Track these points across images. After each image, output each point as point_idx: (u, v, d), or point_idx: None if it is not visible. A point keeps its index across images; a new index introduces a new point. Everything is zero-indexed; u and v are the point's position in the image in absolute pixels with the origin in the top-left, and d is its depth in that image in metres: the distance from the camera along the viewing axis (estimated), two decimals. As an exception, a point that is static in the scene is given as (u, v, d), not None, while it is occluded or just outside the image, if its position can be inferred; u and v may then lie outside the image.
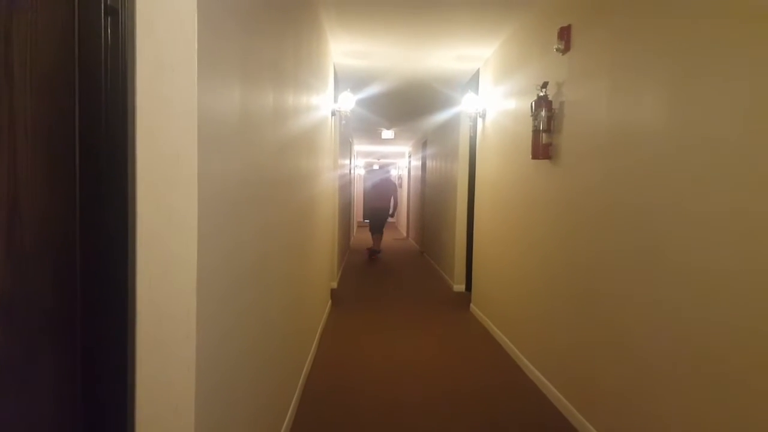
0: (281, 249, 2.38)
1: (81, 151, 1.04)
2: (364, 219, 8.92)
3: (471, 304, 5.15)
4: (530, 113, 3.21)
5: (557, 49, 2.93)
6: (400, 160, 16.53)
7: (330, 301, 5.28)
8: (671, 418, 1.86)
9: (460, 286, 6.11)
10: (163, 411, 1.16)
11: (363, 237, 12.02)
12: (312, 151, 3.40)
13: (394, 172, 15.85)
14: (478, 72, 5.10)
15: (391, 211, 9.34)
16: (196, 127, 1.14)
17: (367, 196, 9.49)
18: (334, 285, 6.08)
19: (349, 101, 4.95)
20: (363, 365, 3.63)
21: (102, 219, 1.08)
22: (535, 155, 3.18)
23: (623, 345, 2.22)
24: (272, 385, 2.20)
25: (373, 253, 9.09)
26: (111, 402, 1.12)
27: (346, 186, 8.54)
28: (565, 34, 2.87)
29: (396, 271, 8.05)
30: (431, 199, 8.89)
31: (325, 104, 4.23)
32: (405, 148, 13.37)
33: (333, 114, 4.86)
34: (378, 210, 9.09)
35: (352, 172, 10.71)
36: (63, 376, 1.04)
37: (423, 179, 10.14)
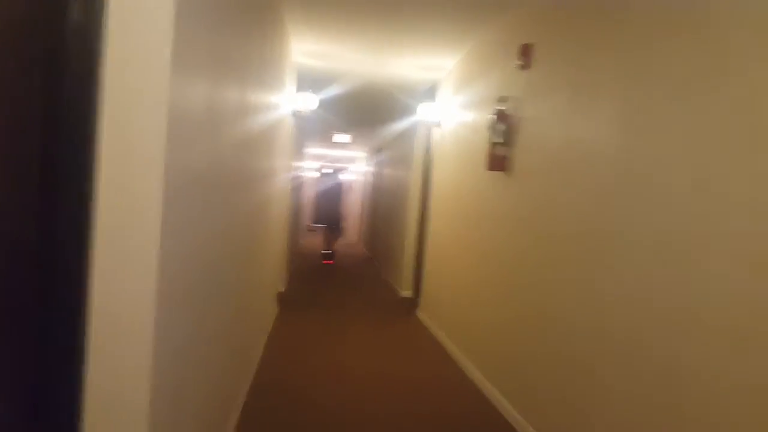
0: (237, 248, 2.32)
1: (43, 134, 0.97)
2: (314, 223, 8.47)
3: (417, 310, 5.20)
4: (488, 126, 3.30)
5: (518, 65, 3.03)
6: (353, 165, 16.50)
7: (278, 305, 5.18)
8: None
9: (407, 292, 6.16)
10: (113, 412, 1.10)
11: (312, 241, 11.89)
12: (270, 150, 3.34)
13: (345, 177, 15.81)
14: (437, 82, 5.20)
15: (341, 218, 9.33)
16: (165, 120, 1.10)
17: (320, 199, 9.38)
18: (282, 288, 5.97)
19: (311, 102, 4.90)
20: (308, 367, 3.58)
21: (61, 205, 1.01)
22: (491, 167, 3.27)
23: (574, 358, 2.31)
24: (223, 383, 2.14)
25: (326, 257, 8.75)
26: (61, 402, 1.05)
27: (297, 189, 8.44)
28: (526, 52, 2.97)
29: (344, 275, 8.01)
30: (383, 206, 8.94)
31: (285, 104, 4.16)
32: (359, 153, 13.38)
33: (293, 114, 4.80)
34: (332, 213, 8.92)
35: (303, 175, 10.59)
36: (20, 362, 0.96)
37: (376, 186, 10.19)
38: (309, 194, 14.46)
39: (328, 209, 8.90)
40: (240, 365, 2.71)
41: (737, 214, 1.47)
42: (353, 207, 15.26)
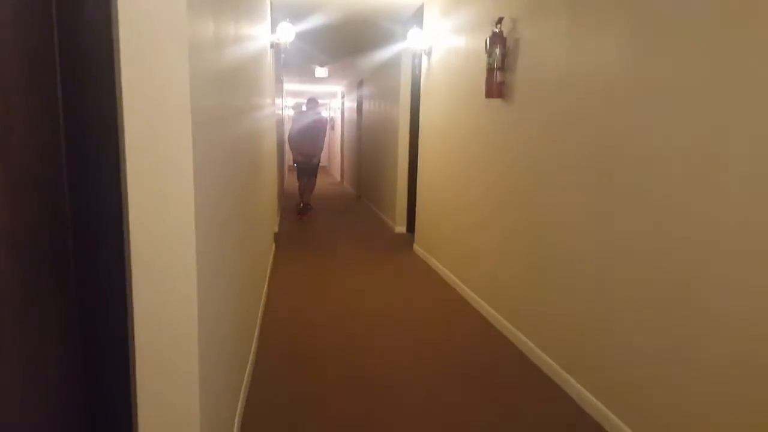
0: (244, 187, 2.28)
1: (63, 78, 0.91)
2: (293, 163, 7.08)
3: (414, 244, 5.28)
4: (485, 50, 3.20)
5: (515, -16, 2.90)
6: (332, 100, 16.07)
7: (274, 245, 5.20)
8: (620, 345, 2.06)
9: (401, 228, 6.21)
10: (164, 339, 1.12)
11: (294, 181, 11.78)
12: (257, 85, 3.20)
13: (325, 113, 15.42)
14: (423, 5, 4.97)
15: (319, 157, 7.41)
16: (187, 60, 1.04)
17: (296, 137, 7.07)
18: (276, 229, 5.97)
19: (288, 32, 4.67)
20: (312, 304, 3.65)
21: (90, 150, 0.96)
22: (489, 94, 3.20)
23: (573, 274, 2.38)
24: (242, 318, 2.18)
25: (303, 211, 7.39)
26: (111, 335, 1.06)
27: (279, 127, 8.23)
28: (524, -31, 2.83)
29: (335, 215, 8.02)
30: (369, 142, 8.81)
31: (263, 35, 3.95)
32: (338, 88, 13.00)
33: (272, 46, 4.58)
34: (308, 155, 7.16)
35: (283, 112, 10.31)
36: (64, 309, 0.95)
37: (358, 122, 9.98)
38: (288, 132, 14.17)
39: (304, 152, 7.10)
40: (253, 300, 2.75)
41: (755, 138, 1.47)
42: (334, 145, 15.00)
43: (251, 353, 2.58)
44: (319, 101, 8.16)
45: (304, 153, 7.08)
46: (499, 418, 2.20)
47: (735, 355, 1.54)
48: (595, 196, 2.24)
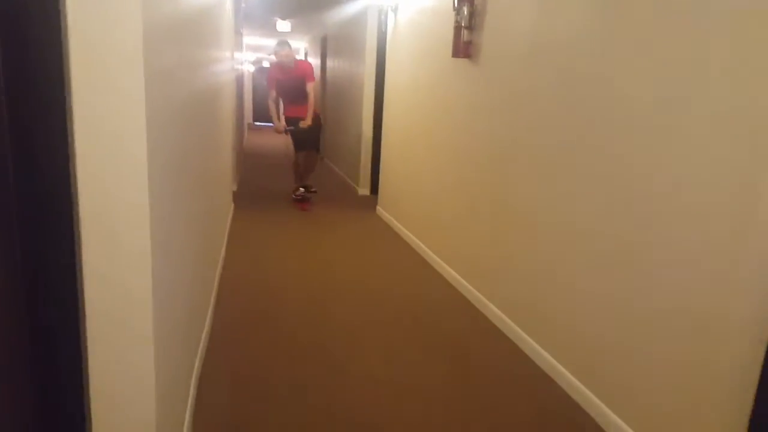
0: (201, 142, 2.18)
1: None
2: (286, 129, 5.13)
3: (377, 207, 5.26)
4: (453, 8, 3.12)
5: (487, -61, 2.81)
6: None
7: (233, 204, 5.07)
8: (580, 304, 2.13)
9: (365, 190, 6.17)
10: (116, 295, 1.07)
11: (255, 140, 11.47)
12: (214, 36, 3.02)
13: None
14: (390, -39, 4.78)
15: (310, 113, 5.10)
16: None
17: (275, 96, 5.17)
18: (234, 188, 5.82)
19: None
20: (273, 262, 3.61)
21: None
22: (456, 53, 3.15)
23: (534, 236, 2.43)
24: (200, 276, 2.12)
25: (303, 197, 5.37)
26: (59, 294, 1.00)
27: (239, 82, 7.91)
28: None
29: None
30: (332, 102, 8.61)
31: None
32: (301, 44, 12.56)
33: (231, -4, 4.32)
34: (298, 117, 5.12)
35: (243, 67, 9.90)
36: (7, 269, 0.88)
37: (322, 80, 9.71)
38: (248, 89, 13.68)
39: (292, 113, 5.18)
40: (211, 258, 2.69)
41: (718, 89, 1.50)
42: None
43: (209, 312, 2.54)
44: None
45: (292, 115, 5.18)
46: (458, 376, 2.26)
47: (675, 306, 1.62)
48: (556, 160, 2.26)
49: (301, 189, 5.38)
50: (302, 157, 5.29)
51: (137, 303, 1.09)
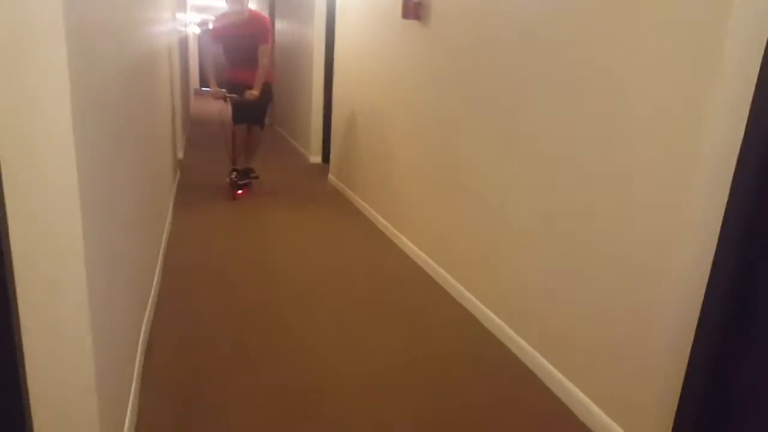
0: (139, 108, 2.07)
1: None
2: (227, 95, 4.21)
3: (329, 175, 5.21)
4: (402, -32, 3.06)
5: None
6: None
7: (179, 171, 4.89)
8: (526, 262, 2.20)
9: (316, 158, 6.08)
10: (46, 250, 1.02)
11: (202, 106, 11.02)
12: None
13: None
14: None
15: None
16: None
17: (219, 55, 4.35)
18: (181, 155, 5.61)
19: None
20: (220, 231, 3.54)
21: None
22: (405, 14, 3.10)
23: (482, 199, 2.48)
24: (144, 238, 2.06)
25: (240, 181, 4.36)
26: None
27: (183, 45, 7.53)
28: None
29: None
30: (282, 65, 8.34)
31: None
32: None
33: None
34: (242, 83, 4.23)
35: (186, 29, 9.41)
36: None
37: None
38: (193, 51, 13.04)
39: (236, 78, 4.30)
40: (155, 226, 2.60)
41: (656, 38, 1.55)
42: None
43: (155, 279, 2.47)
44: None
45: (235, 80, 4.26)
46: (407, 339, 2.31)
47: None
48: (507, 122, 2.30)
49: (233, 173, 4.34)
50: (240, 131, 4.38)
51: (69, 260, 1.04)
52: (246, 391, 1.83)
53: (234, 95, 4.22)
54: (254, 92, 4.13)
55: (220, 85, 4.30)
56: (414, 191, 3.25)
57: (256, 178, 4.59)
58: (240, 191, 4.35)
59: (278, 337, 2.21)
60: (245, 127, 4.40)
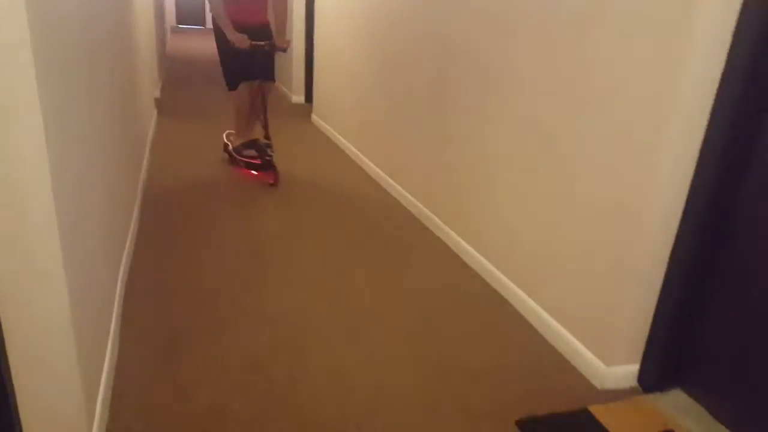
0: (112, 44, 1.96)
1: None
2: (254, 43, 3.05)
3: (312, 114, 5.09)
4: None
5: None
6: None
7: (155, 110, 4.74)
8: (504, 201, 2.20)
9: (299, 98, 5.92)
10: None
11: (180, 44, 10.55)
12: None
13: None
14: None
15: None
16: None
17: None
18: (157, 94, 5.41)
19: None
20: (199, 168, 3.48)
21: None
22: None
23: (463, 138, 2.44)
24: (120, 180, 2.02)
25: (261, 160, 3.35)
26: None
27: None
28: None
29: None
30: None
31: None
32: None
33: None
34: (252, 24, 3.29)
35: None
36: None
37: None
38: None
39: (243, 19, 3.23)
40: (132, 164, 2.54)
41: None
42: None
43: (132, 222, 2.43)
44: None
45: (242, 20, 3.19)
46: (387, 271, 2.34)
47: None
48: (486, 56, 2.23)
49: (251, 149, 3.35)
50: (253, 90, 3.36)
51: (36, 187, 1.00)
52: (227, 322, 1.85)
53: (262, 43, 3.17)
54: (287, 38, 3.34)
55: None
56: (387, 129, 3.19)
57: (270, 151, 3.33)
58: (271, 174, 3.26)
59: (259, 269, 2.22)
60: (261, 84, 3.33)
